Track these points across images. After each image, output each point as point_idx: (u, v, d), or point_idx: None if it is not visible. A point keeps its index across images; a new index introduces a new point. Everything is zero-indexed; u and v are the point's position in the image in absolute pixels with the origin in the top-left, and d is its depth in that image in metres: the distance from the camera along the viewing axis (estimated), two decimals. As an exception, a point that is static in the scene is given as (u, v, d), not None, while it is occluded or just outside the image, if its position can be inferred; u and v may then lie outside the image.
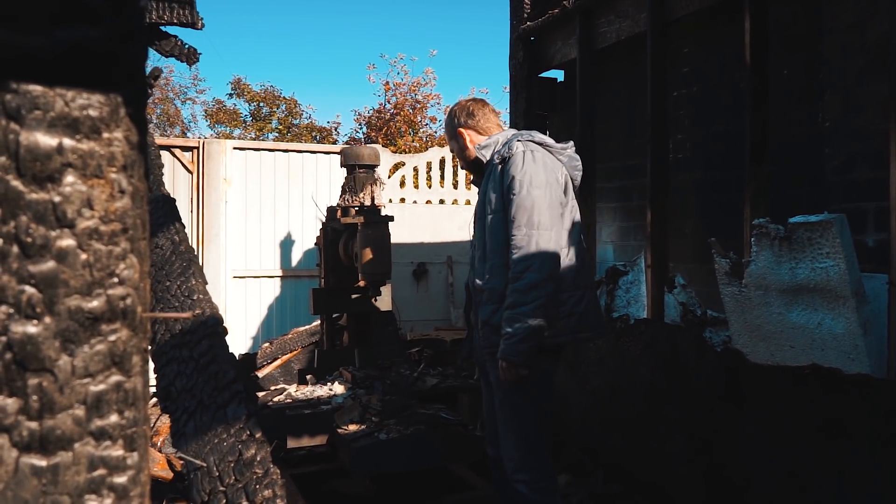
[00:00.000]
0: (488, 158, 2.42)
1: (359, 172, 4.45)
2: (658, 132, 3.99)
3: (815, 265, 2.75)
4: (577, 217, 2.43)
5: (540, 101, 5.38)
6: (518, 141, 2.36)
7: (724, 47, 4.57)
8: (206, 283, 1.91)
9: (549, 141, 2.44)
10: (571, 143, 2.51)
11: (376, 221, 4.07)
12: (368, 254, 3.99)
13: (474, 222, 2.57)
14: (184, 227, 2.28)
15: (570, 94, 5.52)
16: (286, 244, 8.15)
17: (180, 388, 1.71)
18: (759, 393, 2.79)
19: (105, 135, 0.69)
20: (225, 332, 1.77)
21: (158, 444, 3.94)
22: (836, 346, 2.74)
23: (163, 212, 2.25)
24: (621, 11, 4.30)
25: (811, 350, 2.84)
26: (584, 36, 4.54)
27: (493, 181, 2.36)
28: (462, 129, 2.53)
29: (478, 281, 2.41)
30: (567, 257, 2.34)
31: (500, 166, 2.34)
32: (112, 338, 0.69)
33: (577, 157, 2.50)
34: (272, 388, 4.57)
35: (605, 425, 3.71)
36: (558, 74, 5.85)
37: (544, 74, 5.41)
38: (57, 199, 0.66)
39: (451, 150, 2.64)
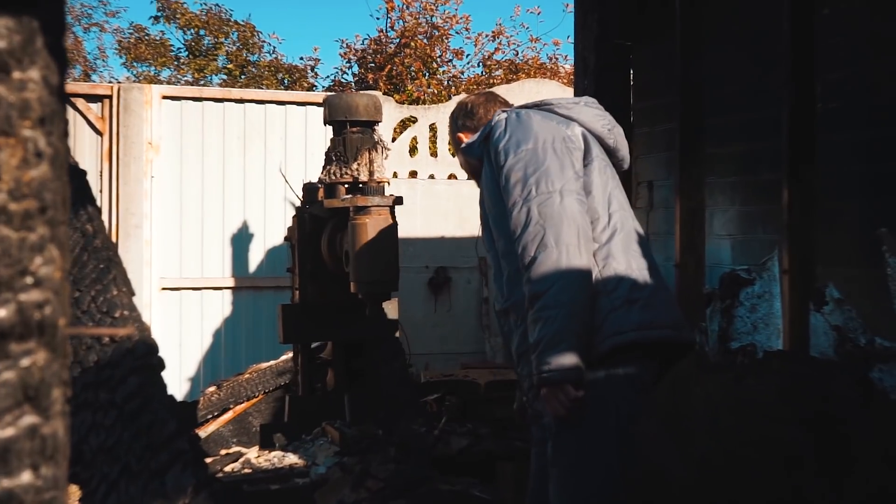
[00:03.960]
0: (475, 147, 2.66)
1: (350, 133, 4.48)
2: (799, 70, 3.99)
3: None
4: (613, 181, 2.61)
5: (620, 25, 5.38)
6: (502, 112, 2.61)
7: (900, -59, 4.55)
8: (133, 294, 1.96)
9: (552, 100, 2.67)
10: (587, 98, 2.75)
11: (377, 206, 4.11)
12: (365, 253, 4.03)
13: (482, 232, 2.75)
14: (99, 212, 2.35)
15: (666, 13, 5.51)
16: (240, 239, 8.23)
17: (96, 447, 1.75)
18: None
19: (16, 74, 0.73)
20: (161, 365, 1.81)
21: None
22: None
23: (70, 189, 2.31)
24: None
25: None
26: (688, -74, 4.55)
27: (485, 169, 2.59)
28: (461, 135, 2.80)
29: (498, 303, 2.60)
30: (606, 227, 2.48)
31: (486, 149, 2.57)
32: (25, 362, 0.73)
33: (600, 109, 2.72)
34: (222, 452, 4.63)
35: (721, 510, 3.72)
36: (648, -15, 5.84)
37: (627, -15, 5.41)
38: (-52, 165, 0.70)
39: (455, 155, 2.90)
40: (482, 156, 2.61)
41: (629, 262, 2.47)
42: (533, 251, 2.33)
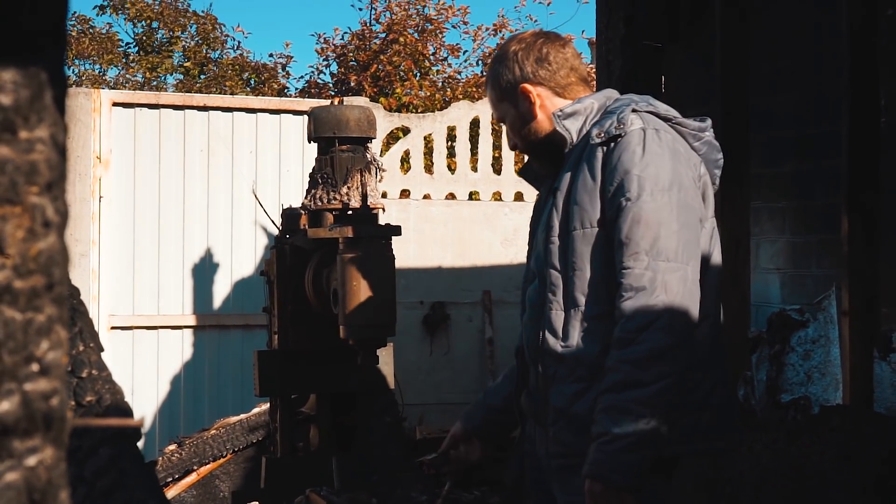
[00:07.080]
0: (575, 136, 2.49)
1: (340, 151, 4.49)
2: (861, 77, 4.02)
3: None
4: (718, 244, 2.55)
5: (649, 23, 5.42)
6: (633, 112, 2.43)
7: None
8: (102, 350, 1.97)
9: (678, 115, 2.51)
10: (709, 121, 2.59)
11: (371, 236, 4.11)
12: (357, 292, 4.04)
13: (532, 240, 2.66)
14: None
15: (704, 10, 5.56)
16: (203, 270, 8.23)
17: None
18: None
19: (23, 134, 0.75)
20: (136, 434, 1.82)
21: None
22: None
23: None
24: None
25: None
26: (731, -88, 4.60)
27: (584, 173, 2.43)
28: (528, 87, 2.57)
29: (550, 340, 2.46)
30: (705, 316, 2.43)
31: (600, 150, 2.40)
32: (30, 461, 0.75)
33: (717, 144, 2.60)
34: (187, 524, 4.62)
35: None
36: (682, -23, 5.90)
37: (657, -22, 5.46)
38: (-53, 239, 0.72)
39: (500, 119, 2.72)
40: (580, 142, 2.46)
41: (711, 360, 2.50)
42: (650, 333, 2.28)
